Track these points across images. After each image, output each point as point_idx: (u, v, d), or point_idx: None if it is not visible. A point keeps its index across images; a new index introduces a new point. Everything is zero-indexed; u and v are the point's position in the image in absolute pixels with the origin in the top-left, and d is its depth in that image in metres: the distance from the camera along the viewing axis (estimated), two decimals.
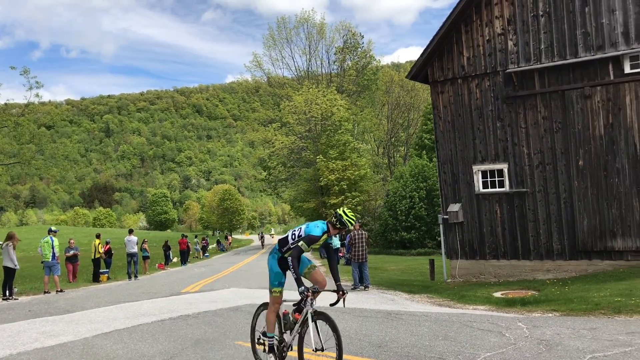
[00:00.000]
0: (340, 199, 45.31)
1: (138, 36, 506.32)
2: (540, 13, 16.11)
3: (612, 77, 15.18)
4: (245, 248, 62.71)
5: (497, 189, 17.04)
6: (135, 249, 24.66)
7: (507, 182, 16.84)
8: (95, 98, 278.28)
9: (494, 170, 17.10)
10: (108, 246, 24.94)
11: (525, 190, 16.52)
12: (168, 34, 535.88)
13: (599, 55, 15.22)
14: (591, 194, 15.51)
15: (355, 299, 13.72)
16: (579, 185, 15.67)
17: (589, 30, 15.40)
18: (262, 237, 67.07)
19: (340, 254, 27.58)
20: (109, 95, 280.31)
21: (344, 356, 7.46)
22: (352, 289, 16.27)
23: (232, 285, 18.67)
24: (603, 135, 15.32)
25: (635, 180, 14.89)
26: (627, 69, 14.99)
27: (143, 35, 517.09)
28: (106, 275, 24.30)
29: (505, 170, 16.85)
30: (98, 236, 24.76)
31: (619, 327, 8.34)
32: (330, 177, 44.93)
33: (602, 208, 15.37)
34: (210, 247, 55.05)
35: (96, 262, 23.70)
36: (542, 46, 16.10)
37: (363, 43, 58.39)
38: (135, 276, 24.70)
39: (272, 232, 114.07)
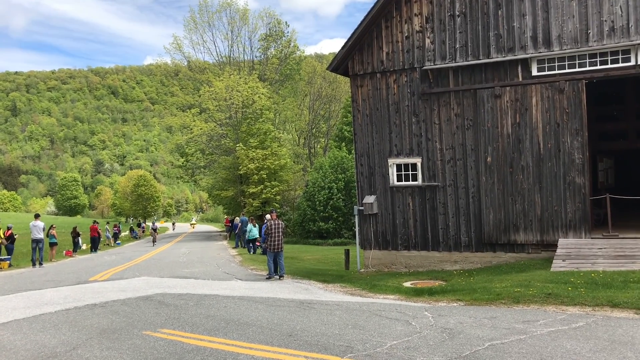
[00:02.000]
0: (259, 188, 45.09)
1: (51, 11, 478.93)
2: (457, 13, 16.66)
3: (520, 79, 15.96)
4: (159, 236, 61.19)
5: (411, 182, 17.55)
6: (41, 235, 23.46)
7: (420, 176, 17.37)
8: (1, 74, 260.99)
9: (408, 164, 17.59)
10: (10, 231, 23.58)
11: (436, 184, 17.11)
12: (84, 10, 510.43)
13: (509, 57, 15.95)
14: (497, 190, 16.28)
15: (269, 289, 13.74)
16: (486, 181, 16.41)
17: (501, 33, 16.10)
18: (154, 230, 43.44)
19: (257, 244, 27.51)
20: (16, 72, 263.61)
21: (252, 345, 7.47)
22: (266, 278, 16.27)
23: (143, 274, 18.19)
24: (510, 134, 16.10)
25: (538, 178, 15.77)
26: (535, 72, 15.81)
27: (57, 10, 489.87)
28: (7, 262, 22.99)
29: (419, 164, 17.37)
30: None
31: (517, 316, 8.84)
32: (249, 165, 44.60)
33: (507, 203, 16.18)
34: (122, 234, 53.30)
35: None
36: (458, 45, 16.67)
37: (287, 32, 58.24)
38: (40, 263, 23.54)
39: (193, 221, 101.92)
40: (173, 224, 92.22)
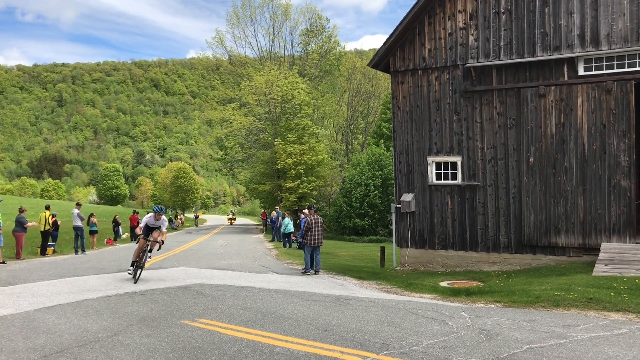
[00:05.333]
0: (296, 183, 45.32)
1: (100, 4, 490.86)
2: (502, 10, 16.37)
3: (566, 78, 15.60)
4: (198, 227, 62.13)
5: (450, 181, 17.36)
6: (80, 223, 24.08)
7: (459, 175, 17.17)
8: (49, 65, 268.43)
9: (448, 163, 17.40)
10: (54, 218, 24.27)
11: (476, 183, 16.88)
12: (130, 4, 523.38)
13: (555, 56, 15.60)
14: (539, 191, 15.97)
15: (305, 283, 13.81)
16: (528, 182, 16.11)
17: (547, 31, 15.75)
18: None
19: (293, 238, 27.68)
20: (63, 64, 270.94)
21: (288, 338, 7.53)
22: (302, 272, 16.35)
23: (181, 264, 18.50)
24: (554, 134, 15.76)
25: (582, 180, 15.41)
26: (581, 71, 15.43)
27: (104, 4, 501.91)
28: (52, 248, 23.69)
29: (459, 163, 17.17)
30: (47, 207, 24.05)
31: (557, 320, 8.66)
32: (287, 160, 44.84)
33: (548, 204, 15.86)
34: None
35: (45, 234, 23.05)
36: (502, 43, 16.39)
37: (328, 27, 58.26)
38: (83, 250, 24.19)
39: (231, 215, 77.30)
40: (196, 217, 71.43)
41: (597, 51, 15.07)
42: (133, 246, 29.68)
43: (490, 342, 7.24)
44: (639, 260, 13.52)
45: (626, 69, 14.89)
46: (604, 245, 14.76)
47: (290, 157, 44.92)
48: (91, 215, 28.04)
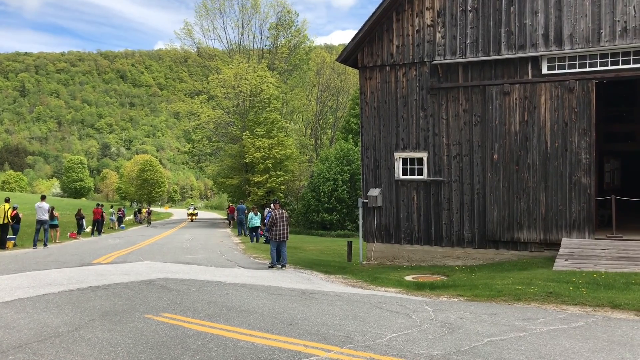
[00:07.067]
0: (264, 177, 45.16)
1: None
2: (469, 8, 16.57)
3: (530, 77, 15.89)
4: (164, 221, 61.42)
5: (416, 177, 17.54)
6: (46, 216, 23.60)
7: (425, 171, 17.36)
8: (10, 54, 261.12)
9: (414, 158, 17.57)
10: (15, 211, 23.69)
11: (442, 179, 17.10)
12: None
13: (519, 55, 15.88)
14: (502, 187, 16.26)
15: (271, 277, 13.80)
16: (492, 178, 16.39)
17: (513, 30, 16.01)
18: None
19: (260, 233, 27.60)
20: (25, 53, 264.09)
21: (253, 332, 7.53)
22: (269, 267, 16.33)
23: (146, 258, 18.29)
24: (518, 132, 16.05)
25: (544, 176, 15.74)
26: (545, 70, 15.74)
27: None
28: (12, 242, 23.12)
29: (425, 159, 17.35)
30: (7, 200, 23.45)
31: (517, 314, 8.86)
32: (255, 154, 44.64)
33: (511, 201, 16.16)
34: (126, 218, 53.53)
35: (4, 227, 22.45)
36: (468, 41, 16.60)
37: (297, 22, 58.10)
38: (45, 244, 23.69)
39: (192, 210, 63.28)
40: (148, 214, 55.74)
41: (560, 50, 15.39)
42: (97, 240, 29.16)
43: (452, 335, 7.36)
44: (597, 256, 13.90)
45: (588, 69, 15.25)
46: (564, 241, 15.13)
47: (259, 151, 44.72)
48: (52, 208, 27.46)
